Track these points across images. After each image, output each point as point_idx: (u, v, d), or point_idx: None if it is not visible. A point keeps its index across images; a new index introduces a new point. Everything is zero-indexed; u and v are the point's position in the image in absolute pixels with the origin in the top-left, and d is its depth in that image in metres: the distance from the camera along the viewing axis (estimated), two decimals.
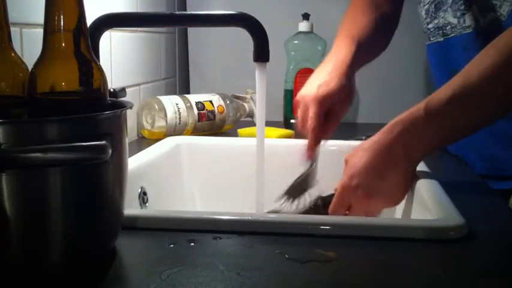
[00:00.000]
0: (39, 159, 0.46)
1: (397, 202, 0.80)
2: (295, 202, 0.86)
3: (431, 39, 1.02)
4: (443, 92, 0.73)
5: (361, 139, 1.17)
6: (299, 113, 0.89)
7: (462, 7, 0.94)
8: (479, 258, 0.58)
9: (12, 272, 0.49)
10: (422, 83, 1.09)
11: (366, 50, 0.98)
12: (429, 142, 0.76)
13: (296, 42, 1.38)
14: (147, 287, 0.49)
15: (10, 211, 0.46)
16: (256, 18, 0.75)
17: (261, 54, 0.75)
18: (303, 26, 1.37)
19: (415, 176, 0.80)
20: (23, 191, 0.47)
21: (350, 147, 1.08)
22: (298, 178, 0.88)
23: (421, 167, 0.86)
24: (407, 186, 0.78)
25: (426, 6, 1.01)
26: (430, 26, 1.01)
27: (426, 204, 0.72)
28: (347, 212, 0.79)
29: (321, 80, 0.89)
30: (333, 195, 0.81)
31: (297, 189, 0.86)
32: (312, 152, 0.89)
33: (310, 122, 0.87)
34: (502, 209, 0.76)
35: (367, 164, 0.77)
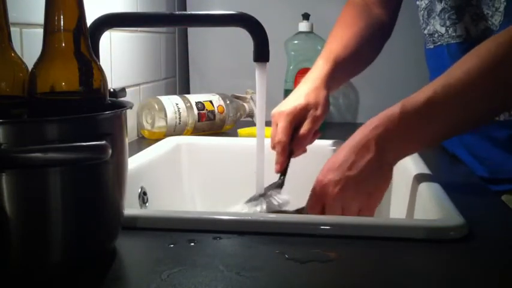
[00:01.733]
0: (39, 159, 0.46)
1: (373, 199, 0.77)
2: (257, 208, 0.86)
3: (427, 45, 1.03)
4: (422, 93, 0.74)
5: None
6: (271, 129, 0.92)
7: (454, 16, 0.94)
8: (479, 258, 0.58)
9: (12, 272, 0.49)
10: (422, 83, 1.09)
11: (345, 67, 0.99)
12: (405, 141, 0.75)
13: (296, 42, 1.38)
14: (147, 287, 0.49)
15: (10, 211, 0.46)
16: (256, 18, 0.75)
17: (261, 54, 0.75)
18: (303, 26, 1.37)
19: (413, 176, 0.80)
20: (23, 191, 0.47)
21: None
22: (265, 188, 0.88)
23: (421, 167, 0.86)
24: (382, 184, 0.77)
25: (422, 12, 1.02)
26: (425, 31, 1.02)
27: (426, 205, 0.72)
28: (325, 211, 0.78)
29: (294, 99, 0.93)
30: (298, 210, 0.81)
31: (258, 200, 0.87)
32: (279, 165, 0.90)
33: (278, 136, 0.89)
34: (502, 209, 0.76)
35: (340, 158, 0.77)
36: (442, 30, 0.97)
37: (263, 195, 0.87)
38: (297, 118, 0.91)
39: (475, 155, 0.99)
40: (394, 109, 0.75)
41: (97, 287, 0.50)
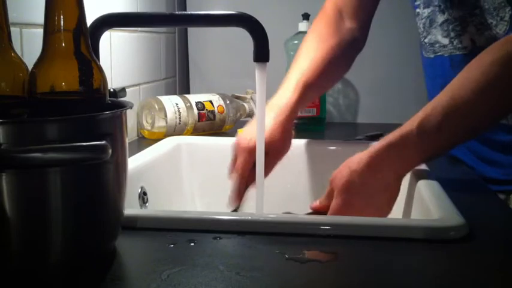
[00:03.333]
0: (39, 159, 0.46)
1: (381, 202, 0.78)
2: None
3: (427, 53, 1.02)
4: (434, 114, 0.74)
5: (361, 139, 1.17)
6: (231, 158, 0.91)
7: (458, 28, 0.94)
8: (479, 258, 0.58)
9: (12, 272, 0.49)
10: (421, 84, 1.09)
11: (315, 89, 0.98)
12: (417, 162, 0.78)
13: (296, 42, 1.38)
14: (147, 287, 0.49)
15: (10, 211, 0.46)
16: (256, 18, 0.75)
17: (261, 54, 0.75)
18: (303, 26, 1.37)
19: (416, 178, 0.80)
20: (23, 191, 0.47)
21: (350, 147, 1.08)
22: None
23: (421, 167, 0.86)
24: (393, 203, 0.78)
25: (423, 20, 1.01)
26: (425, 40, 1.01)
27: (426, 204, 0.72)
28: None
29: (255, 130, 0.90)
30: (311, 213, 0.81)
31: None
32: (237, 196, 0.90)
33: (238, 168, 0.89)
34: (502, 209, 0.76)
35: (358, 188, 0.77)
36: (445, 41, 0.97)
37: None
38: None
39: (476, 156, 0.99)
40: (411, 134, 0.75)
41: (97, 287, 0.50)
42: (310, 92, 0.95)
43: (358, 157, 0.77)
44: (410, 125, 0.75)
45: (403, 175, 0.78)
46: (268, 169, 0.91)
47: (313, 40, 1.01)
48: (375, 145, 0.77)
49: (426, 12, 1.00)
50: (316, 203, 0.81)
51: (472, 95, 0.73)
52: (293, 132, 0.95)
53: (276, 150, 0.91)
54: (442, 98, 0.75)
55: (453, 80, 0.76)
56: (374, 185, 0.76)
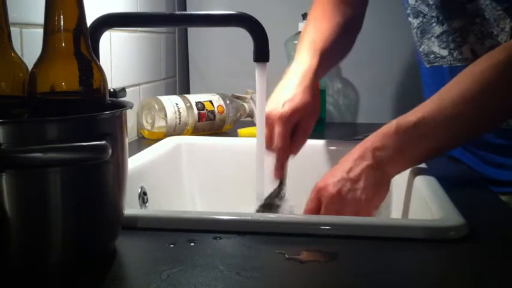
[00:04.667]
0: (39, 159, 0.46)
1: (370, 204, 0.78)
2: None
3: (423, 62, 1.02)
4: (414, 113, 0.77)
5: (361, 139, 1.17)
6: (266, 131, 0.89)
7: (459, 39, 0.94)
8: (479, 258, 0.58)
9: (12, 272, 0.49)
10: (420, 84, 1.09)
11: (329, 57, 0.98)
12: (399, 156, 0.77)
13: (296, 42, 1.37)
14: (147, 287, 0.49)
15: (10, 211, 0.46)
16: (256, 18, 0.75)
17: (261, 54, 0.75)
18: (303, 26, 1.37)
19: (413, 174, 0.80)
20: (23, 191, 0.47)
21: (350, 147, 1.08)
22: (268, 197, 0.88)
23: (421, 167, 0.86)
24: (379, 190, 0.78)
25: (415, 30, 1.01)
26: (420, 49, 1.02)
27: (426, 204, 0.72)
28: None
29: (286, 96, 0.90)
30: None
31: (266, 208, 0.87)
32: (280, 170, 0.90)
33: (277, 142, 0.88)
34: (502, 209, 0.76)
35: (338, 166, 0.78)
36: (444, 52, 0.96)
37: (270, 208, 0.87)
38: (294, 121, 0.89)
39: (477, 157, 0.99)
40: (389, 126, 0.77)
41: (97, 287, 0.50)
42: (326, 59, 0.96)
43: (343, 167, 0.77)
44: (392, 121, 0.77)
45: (385, 166, 0.77)
46: (305, 136, 0.92)
47: (318, 18, 1.03)
48: (361, 151, 0.77)
49: (416, 22, 1.00)
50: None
51: (457, 97, 0.75)
52: (318, 98, 0.95)
53: (308, 115, 0.91)
54: (427, 102, 0.77)
55: (444, 88, 0.77)
56: (365, 192, 0.76)
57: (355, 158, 0.77)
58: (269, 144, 0.89)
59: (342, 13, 1.03)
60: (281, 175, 0.90)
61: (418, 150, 0.78)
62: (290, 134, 0.89)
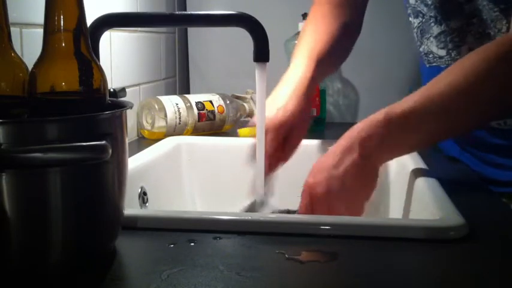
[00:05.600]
0: (39, 159, 0.46)
1: (359, 198, 0.78)
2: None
3: (423, 61, 1.02)
4: (404, 103, 0.76)
5: None
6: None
7: (457, 39, 0.94)
8: (479, 258, 0.58)
9: (12, 272, 0.49)
10: (420, 84, 1.09)
11: (326, 65, 0.98)
12: (387, 146, 0.77)
13: (296, 42, 1.38)
14: (147, 287, 0.49)
15: (10, 211, 0.46)
16: (256, 18, 0.75)
17: (261, 54, 0.75)
18: (302, 27, 1.37)
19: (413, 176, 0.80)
20: (23, 191, 0.47)
21: None
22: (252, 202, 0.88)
23: (420, 167, 0.86)
24: (367, 182, 0.78)
25: (415, 30, 1.01)
26: (420, 49, 1.02)
27: (426, 204, 0.72)
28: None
29: (279, 103, 0.90)
30: None
31: (252, 207, 0.87)
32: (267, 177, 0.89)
33: (268, 148, 0.87)
34: (502, 209, 0.76)
35: (325, 160, 0.78)
36: (442, 52, 0.96)
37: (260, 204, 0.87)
38: (286, 129, 0.89)
39: (476, 158, 0.99)
40: (378, 116, 0.77)
41: (97, 287, 0.50)
42: (322, 66, 0.96)
43: (331, 160, 0.77)
44: (381, 110, 0.77)
45: (372, 155, 0.77)
46: (295, 145, 0.92)
47: (316, 21, 1.03)
48: (348, 142, 0.77)
49: (416, 22, 1.00)
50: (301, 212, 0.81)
51: (445, 88, 0.75)
52: (311, 106, 0.96)
53: (300, 123, 0.91)
54: (417, 93, 0.76)
55: (435, 80, 0.77)
56: (355, 186, 0.77)
57: (342, 149, 0.77)
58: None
59: (341, 17, 1.03)
60: (269, 181, 0.90)
61: (406, 140, 0.77)
62: (281, 141, 0.89)
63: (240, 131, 1.25)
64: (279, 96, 0.91)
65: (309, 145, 1.08)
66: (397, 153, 0.81)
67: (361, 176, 0.77)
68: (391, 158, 0.82)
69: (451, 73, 0.76)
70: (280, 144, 0.89)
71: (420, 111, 0.75)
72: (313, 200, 0.77)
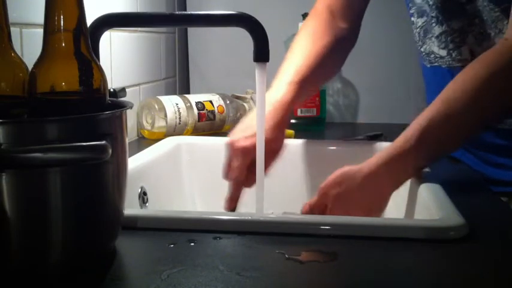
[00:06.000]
0: (39, 159, 0.46)
1: (376, 202, 0.79)
2: None
3: (424, 61, 1.02)
4: (432, 126, 0.77)
5: (361, 139, 1.17)
6: (225, 159, 0.89)
7: (458, 39, 0.94)
8: (479, 258, 0.58)
9: (12, 272, 0.49)
10: (421, 84, 1.09)
11: (310, 84, 0.97)
12: (414, 173, 0.80)
13: None
14: (147, 287, 0.49)
15: (10, 211, 0.46)
16: (256, 18, 0.75)
17: (261, 54, 0.75)
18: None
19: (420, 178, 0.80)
20: (23, 191, 0.47)
21: (350, 147, 1.08)
22: None
23: None
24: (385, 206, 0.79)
25: (418, 30, 1.01)
26: (421, 49, 1.01)
27: (426, 205, 0.72)
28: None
29: (252, 129, 0.86)
30: None
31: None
32: (232, 202, 0.89)
33: (234, 173, 0.87)
34: (502, 209, 0.76)
35: (356, 200, 0.78)
36: (443, 52, 0.96)
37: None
38: (253, 155, 0.84)
39: (480, 158, 0.99)
40: (407, 146, 0.77)
41: (97, 287, 0.50)
42: (304, 88, 0.94)
43: (354, 169, 0.78)
44: (407, 137, 0.77)
45: (399, 186, 0.79)
46: (265, 171, 0.91)
47: (306, 38, 1.00)
48: (372, 160, 0.78)
49: (420, 21, 0.99)
50: (306, 208, 0.81)
51: (467, 106, 0.77)
52: (285, 133, 0.93)
53: (272, 151, 0.89)
54: (438, 109, 0.78)
55: (447, 91, 0.78)
56: (371, 197, 0.78)
57: (371, 179, 0.77)
58: (225, 175, 0.89)
59: (335, 30, 1.01)
60: (233, 206, 0.90)
61: (428, 158, 0.80)
62: (246, 167, 0.87)
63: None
64: (254, 121, 0.86)
65: (309, 145, 1.08)
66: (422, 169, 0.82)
67: (377, 187, 0.78)
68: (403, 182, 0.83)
69: (462, 84, 0.78)
70: (246, 171, 0.87)
71: (439, 128, 0.77)
72: (327, 200, 0.78)
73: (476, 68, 0.78)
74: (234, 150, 0.87)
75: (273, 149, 0.90)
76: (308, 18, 1.04)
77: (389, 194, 0.78)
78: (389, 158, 0.77)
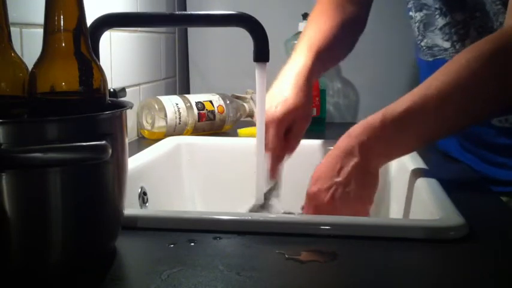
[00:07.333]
0: (39, 159, 0.46)
1: (365, 203, 0.79)
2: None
3: (424, 56, 1.02)
4: (401, 102, 0.76)
5: None
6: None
7: (462, 31, 0.93)
8: (479, 258, 0.58)
9: (12, 272, 0.49)
10: (420, 83, 1.09)
11: (327, 58, 0.98)
12: (386, 148, 0.77)
13: (296, 42, 1.38)
14: (147, 287, 0.49)
15: (10, 211, 0.46)
16: (256, 18, 0.75)
17: (261, 54, 0.75)
18: (303, 26, 1.36)
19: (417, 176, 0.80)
20: (23, 191, 0.47)
21: None
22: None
23: (420, 167, 0.86)
24: (371, 186, 0.78)
25: (417, 24, 1.01)
26: (422, 43, 1.01)
27: (426, 204, 0.72)
28: None
29: (279, 98, 0.90)
30: None
31: (260, 208, 0.87)
32: (274, 171, 0.90)
33: (270, 144, 0.88)
34: (502, 209, 0.76)
35: (326, 166, 0.78)
36: (447, 45, 0.96)
37: (263, 206, 0.87)
38: (287, 123, 0.90)
39: (478, 157, 0.99)
40: (375, 118, 0.76)
41: (97, 287, 0.50)
42: (322, 59, 0.96)
43: (332, 166, 0.77)
44: (378, 112, 0.76)
45: (372, 157, 0.77)
46: (298, 137, 0.92)
47: (320, 16, 1.03)
48: (347, 146, 0.77)
49: (419, 16, 0.99)
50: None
51: (442, 85, 0.74)
52: (311, 98, 0.95)
53: (301, 116, 0.91)
54: (413, 92, 0.76)
55: (431, 79, 0.77)
56: (358, 191, 0.77)
57: (342, 155, 0.77)
58: (265, 147, 0.89)
59: (345, 12, 1.03)
60: (275, 176, 0.91)
61: (405, 141, 0.77)
62: (283, 135, 0.89)
63: (240, 131, 1.25)
64: (279, 90, 0.91)
65: (309, 145, 1.08)
66: (397, 154, 0.81)
67: (363, 180, 0.77)
68: (392, 159, 0.82)
69: (447, 72, 0.76)
70: (282, 139, 0.89)
71: (417, 112, 0.75)
72: (318, 209, 0.77)
73: (465, 55, 0.77)
74: (266, 121, 0.87)
75: (303, 115, 0.91)
76: (316, 4, 1.06)
77: (364, 164, 0.77)
78: (356, 128, 0.77)
